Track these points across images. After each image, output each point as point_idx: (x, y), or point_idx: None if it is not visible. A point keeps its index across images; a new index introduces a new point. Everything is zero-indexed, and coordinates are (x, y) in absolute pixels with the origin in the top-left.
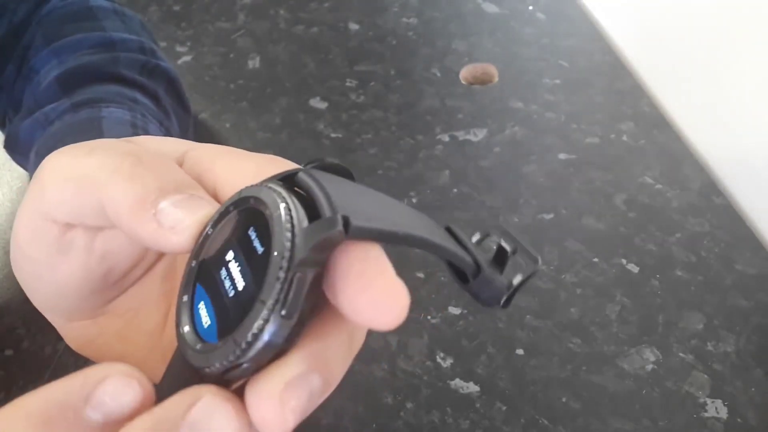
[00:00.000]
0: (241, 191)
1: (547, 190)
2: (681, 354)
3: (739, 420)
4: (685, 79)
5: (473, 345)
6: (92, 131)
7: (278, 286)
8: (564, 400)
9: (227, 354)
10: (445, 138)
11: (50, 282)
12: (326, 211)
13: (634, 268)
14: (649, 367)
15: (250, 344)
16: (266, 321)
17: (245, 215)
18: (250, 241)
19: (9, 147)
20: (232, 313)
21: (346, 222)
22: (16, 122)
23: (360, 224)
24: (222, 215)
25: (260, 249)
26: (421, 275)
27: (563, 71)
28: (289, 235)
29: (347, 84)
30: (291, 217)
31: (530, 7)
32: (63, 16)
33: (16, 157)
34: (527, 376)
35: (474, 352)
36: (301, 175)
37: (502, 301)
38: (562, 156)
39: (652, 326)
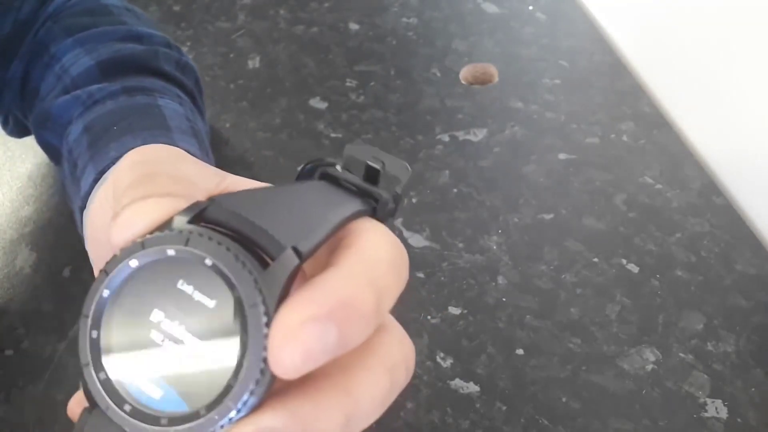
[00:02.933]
0: (144, 242)
1: (547, 190)
2: (681, 354)
3: (739, 420)
4: (685, 79)
5: (473, 345)
6: (154, 116)
7: (263, 341)
8: (564, 400)
9: (223, 415)
10: (445, 138)
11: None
12: (273, 248)
13: (634, 268)
14: (649, 367)
15: (246, 401)
16: (263, 374)
17: (162, 268)
18: (188, 296)
19: (37, 124)
20: (199, 376)
21: (297, 252)
22: (49, 100)
23: (307, 248)
24: (120, 272)
25: (210, 303)
26: (421, 275)
27: (563, 71)
28: (255, 285)
29: (347, 84)
30: (245, 264)
31: (530, 7)
32: (80, 11)
33: (44, 134)
34: (527, 376)
35: (474, 352)
36: (213, 211)
37: (393, 214)
38: (562, 156)
39: (652, 326)
